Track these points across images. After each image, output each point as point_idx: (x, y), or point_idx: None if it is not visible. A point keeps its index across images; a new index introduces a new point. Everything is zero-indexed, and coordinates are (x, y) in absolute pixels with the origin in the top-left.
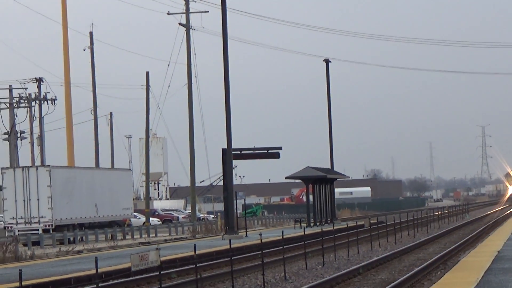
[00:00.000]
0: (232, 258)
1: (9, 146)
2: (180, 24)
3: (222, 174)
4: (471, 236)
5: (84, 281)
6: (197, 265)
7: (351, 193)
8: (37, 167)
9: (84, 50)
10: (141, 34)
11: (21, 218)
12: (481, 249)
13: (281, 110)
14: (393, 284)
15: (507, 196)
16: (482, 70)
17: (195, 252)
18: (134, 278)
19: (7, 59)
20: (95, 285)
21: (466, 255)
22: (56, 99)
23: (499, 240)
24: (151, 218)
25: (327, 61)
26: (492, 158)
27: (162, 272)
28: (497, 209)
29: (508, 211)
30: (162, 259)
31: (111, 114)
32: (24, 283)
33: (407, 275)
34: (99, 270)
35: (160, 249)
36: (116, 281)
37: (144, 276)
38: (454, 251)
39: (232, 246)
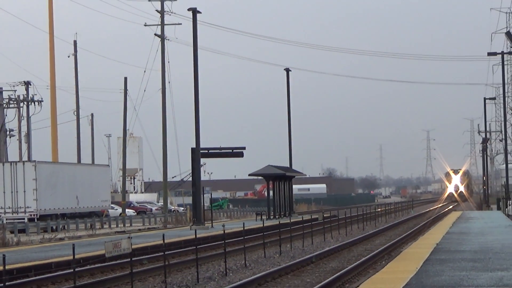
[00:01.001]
0: (198, 247)
1: None
2: (155, 35)
3: (191, 171)
4: (413, 230)
5: (63, 266)
6: (166, 252)
7: (309, 189)
8: (24, 162)
9: (69, 56)
10: (120, 43)
11: (9, 208)
12: (422, 241)
13: (246, 114)
14: (342, 272)
15: (446, 194)
16: (428, 80)
17: (163, 241)
18: (109, 263)
19: None
20: (72, 270)
21: (408, 246)
22: (42, 101)
23: (438, 234)
24: (127, 210)
25: (287, 70)
26: (435, 159)
27: (134, 259)
28: (436, 207)
29: (446, 209)
30: (135, 246)
31: (92, 115)
32: (9, 267)
33: (355, 264)
34: (78, 256)
35: (131, 238)
36: (92, 266)
37: (118, 262)
38: (398, 243)
39: (199, 236)
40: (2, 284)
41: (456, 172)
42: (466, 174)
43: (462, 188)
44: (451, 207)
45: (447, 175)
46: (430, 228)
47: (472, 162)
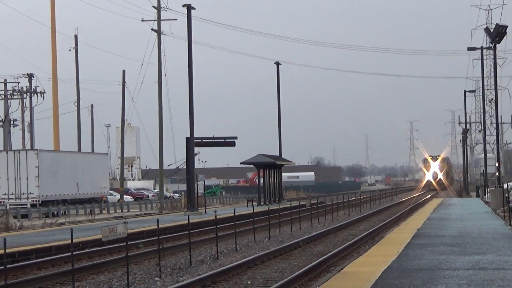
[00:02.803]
0: (191, 231)
1: (3, 132)
2: (152, 29)
3: (186, 159)
4: (396, 216)
5: (63, 249)
6: (160, 237)
7: (298, 177)
8: (27, 150)
9: (70, 50)
10: (119, 38)
11: (12, 194)
12: (404, 227)
13: (238, 105)
14: (327, 255)
15: (424, 182)
16: (411, 74)
17: (158, 226)
18: (107, 247)
19: (2, 57)
20: (71, 253)
21: (391, 231)
22: (45, 92)
23: (419, 220)
24: (125, 196)
25: (277, 64)
26: (418, 149)
27: (130, 243)
28: (414, 196)
29: (427, 196)
30: (132, 231)
31: (92, 106)
32: (11, 250)
33: (340, 248)
34: (77, 240)
35: (127, 222)
36: (90, 250)
37: (115, 245)
38: (381, 228)
39: (192, 221)
40: (3, 267)
41: (434, 158)
42: (446, 161)
43: (441, 176)
44: (428, 196)
45: (425, 161)
46: (412, 214)
47: (453, 151)
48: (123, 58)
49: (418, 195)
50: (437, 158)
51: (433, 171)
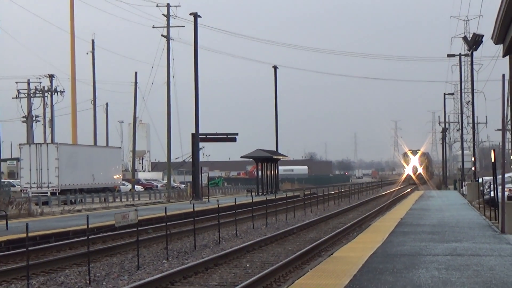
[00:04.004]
0: (195, 218)
1: (26, 127)
2: (162, 35)
3: (191, 153)
4: (381, 206)
5: (80, 234)
6: (167, 223)
7: (292, 170)
8: (47, 144)
9: (87, 53)
10: (132, 42)
11: (34, 183)
12: (388, 216)
13: (240, 104)
14: (319, 241)
15: (404, 176)
16: (397, 78)
17: (165, 213)
18: (118, 232)
19: (26, 59)
20: (87, 237)
21: (377, 220)
22: (64, 91)
23: (403, 210)
24: (136, 186)
25: (275, 68)
26: (401, 146)
27: (140, 228)
28: (395, 189)
29: (409, 189)
30: (142, 218)
31: (107, 104)
32: (33, 234)
33: (330, 234)
34: (93, 225)
35: (138, 210)
36: (104, 234)
37: (127, 231)
38: (368, 217)
39: (196, 209)
40: (25, 249)
41: (414, 152)
42: (425, 155)
43: (420, 170)
44: (408, 190)
45: (405, 155)
46: (396, 205)
47: (433, 148)
48: (136, 61)
49: (398, 189)
50: (417, 153)
51: (412, 165)
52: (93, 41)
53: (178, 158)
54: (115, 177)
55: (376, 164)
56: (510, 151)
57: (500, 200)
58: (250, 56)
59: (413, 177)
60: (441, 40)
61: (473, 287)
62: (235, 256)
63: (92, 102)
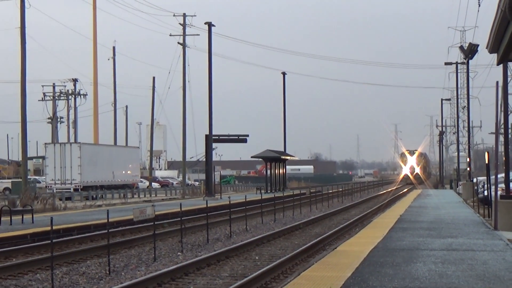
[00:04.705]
0: (208, 214)
1: (51, 127)
2: (178, 43)
3: (205, 153)
4: (382, 204)
5: (100, 227)
6: (182, 218)
7: (299, 169)
8: (71, 143)
9: (108, 59)
10: (150, 49)
11: (58, 180)
12: (389, 213)
13: (250, 106)
14: (323, 236)
15: (402, 176)
16: (398, 84)
17: (180, 209)
18: (136, 226)
19: (52, 64)
20: (106, 230)
21: (377, 217)
22: (87, 94)
23: (402, 207)
24: (153, 183)
25: (284, 74)
26: (400, 147)
27: (157, 223)
28: (391, 189)
29: (407, 189)
30: (158, 213)
31: (126, 106)
32: (57, 227)
33: (334, 230)
34: (112, 220)
35: (154, 205)
36: (123, 228)
37: (144, 225)
38: (369, 214)
39: (209, 205)
40: (50, 241)
41: (412, 153)
42: (423, 155)
43: (418, 170)
44: (405, 190)
45: (403, 156)
46: (395, 202)
47: (431, 150)
48: (154, 67)
49: (396, 188)
50: (414, 153)
51: (410, 165)
52: (114, 48)
53: (192, 157)
54: (133, 175)
55: (377, 164)
56: (502, 153)
57: (493, 198)
58: (261, 63)
59: (411, 177)
60: (439, 49)
61: (468, 280)
62: (245, 249)
63: (113, 104)
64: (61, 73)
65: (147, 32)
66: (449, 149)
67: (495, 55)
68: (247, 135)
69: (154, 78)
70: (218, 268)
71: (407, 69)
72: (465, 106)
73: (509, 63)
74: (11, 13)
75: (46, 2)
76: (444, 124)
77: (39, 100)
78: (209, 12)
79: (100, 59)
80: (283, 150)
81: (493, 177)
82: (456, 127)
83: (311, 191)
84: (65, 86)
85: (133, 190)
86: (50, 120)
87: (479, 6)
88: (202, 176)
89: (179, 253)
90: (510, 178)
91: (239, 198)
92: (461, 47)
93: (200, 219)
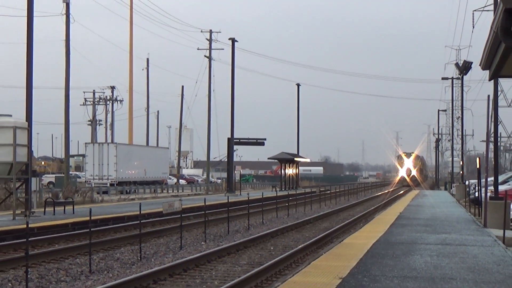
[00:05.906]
0: (229, 208)
1: (91, 129)
2: (205, 56)
3: (227, 154)
4: (384, 202)
5: (133, 218)
6: (206, 212)
7: (310, 170)
8: (108, 143)
9: (143, 70)
10: (180, 61)
11: (96, 175)
12: (389, 211)
13: (268, 113)
14: (331, 230)
15: (398, 178)
16: (399, 96)
17: (205, 203)
18: (165, 218)
19: (92, 73)
20: (139, 221)
21: (380, 214)
22: (123, 100)
23: (401, 206)
24: (180, 180)
25: (298, 85)
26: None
27: (183, 215)
28: (388, 191)
29: (405, 190)
30: (185, 206)
31: (158, 111)
32: (95, 217)
33: (341, 224)
34: (144, 212)
35: (181, 200)
36: (153, 219)
37: (172, 217)
38: (372, 211)
39: (230, 200)
40: (88, 229)
41: (408, 155)
42: (419, 158)
43: (414, 172)
44: (402, 192)
45: (399, 158)
46: (396, 201)
47: (428, 155)
48: (182, 77)
49: (392, 190)
50: (411, 155)
51: (406, 167)
52: (147, 59)
53: (216, 157)
54: (163, 172)
55: (380, 167)
56: (492, 159)
57: (483, 199)
58: (278, 75)
59: (407, 179)
60: (437, 65)
61: (460, 271)
62: (261, 240)
63: (146, 110)
64: (101, 81)
65: (178, 46)
66: (444, 155)
67: (487, 72)
68: (265, 139)
69: (182, 87)
70: (237, 257)
71: (408, 83)
72: (459, 117)
73: (499, 79)
74: (58, 27)
75: (88, 18)
76: (440, 132)
77: (80, 105)
78: (233, 28)
79: (135, 69)
80: (296, 152)
81: (484, 180)
82: (451, 135)
83: (320, 190)
84: (104, 92)
85: (162, 186)
86: (90, 123)
87: (473, 27)
88: (224, 175)
89: (202, 243)
90: (498, 181)
91: (256, 194)
92: (457, 64)
93: (221, 212)
